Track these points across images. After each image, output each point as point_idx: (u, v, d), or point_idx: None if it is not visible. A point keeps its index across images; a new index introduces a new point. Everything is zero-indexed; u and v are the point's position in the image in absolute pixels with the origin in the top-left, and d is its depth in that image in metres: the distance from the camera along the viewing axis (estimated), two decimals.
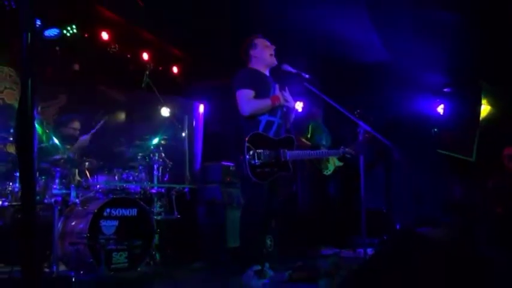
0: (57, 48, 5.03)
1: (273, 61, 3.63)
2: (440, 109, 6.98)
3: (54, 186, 3.90)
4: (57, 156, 4.14)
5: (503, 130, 5.72)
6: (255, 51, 3.62)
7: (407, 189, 6.81)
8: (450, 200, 6.22)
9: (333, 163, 5.47)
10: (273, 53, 3.62)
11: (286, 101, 3.55)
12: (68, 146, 4.46)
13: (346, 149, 3.76)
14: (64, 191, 3.87)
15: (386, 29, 5.34)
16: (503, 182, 3.89)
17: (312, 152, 3.97)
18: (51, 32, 5.20)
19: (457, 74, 6.49)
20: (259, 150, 3.31)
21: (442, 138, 6.78)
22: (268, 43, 3.65)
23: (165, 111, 5.50)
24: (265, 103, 3.45)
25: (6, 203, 3.78)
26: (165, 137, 4.70)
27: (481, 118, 6.31)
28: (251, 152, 3.28)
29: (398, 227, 6.50)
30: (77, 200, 3.88)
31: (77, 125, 4.75)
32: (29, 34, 1.15)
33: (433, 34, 5.26)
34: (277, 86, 3.61)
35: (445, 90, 6.90)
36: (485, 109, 6.30)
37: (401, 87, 6.54)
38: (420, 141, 6.67)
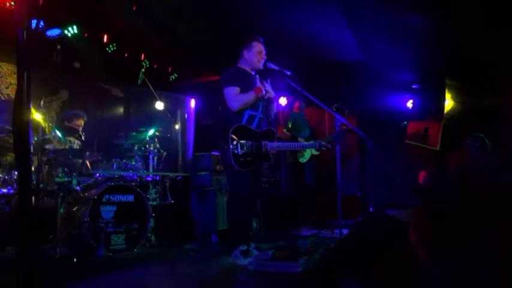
0: (59, 47, 4.93)
1: (259, 66, 3.60)
2: (409, 104, 7.04)
3: (57, 175, 3.85)
4: (60, 147, 4.09)
5: (465, 122, 5.80)
6: (248, 53, 3.59)
7: (379, 176, 6.88)
8: (417, 185, 6.29)
9: (310, 152, 5.47)
10: (262, 61, 3.59)
11: (267, 91, 3.54)
12: (71, 138, 4.40)
13: (322, 142, 3.77)
14: (66, 179, 3.82)
15: (361, 31, 5.34)
16: (463, 168, 3.93)
17: (291, 144, 3.97)
18: (53, 32, 5.10)
19: (424, 72, 6.54)
20: (242, 141, 3.31)
21: (411, 130, 6.85)
22: (263, 50, 3.61)
23: (159, 106, 5.46)
24: (250, 96, 3.44)
25: (12, 191, 3.73)
26: (160, 129, 4.66)
27: (445, 112, 6.39)
28: (235, 143, 3.28)
29: (371, 209, 6.56)
30: (78, 188, 3.84)
31: (80, 122, 4.69)
32: (25, 31, 1.12)
33: (403, 35, 5.28)
34: (257, 77, 3.60)
35: (413, 86, 6.96)
36: (449, 104, 6.37)
37: (374, 84, 6.57)
38: (391, 132, 6.72)
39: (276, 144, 3.56)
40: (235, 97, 3.40)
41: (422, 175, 6.23)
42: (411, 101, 7.01)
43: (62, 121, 4.67)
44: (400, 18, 4.93)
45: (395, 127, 6.96)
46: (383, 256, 2.34)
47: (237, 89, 3.42)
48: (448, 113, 6.35)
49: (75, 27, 5.24)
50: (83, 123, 4.69)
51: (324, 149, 3.76)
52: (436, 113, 6.55)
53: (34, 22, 4.72)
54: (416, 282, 2.20)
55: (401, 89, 6.96)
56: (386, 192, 6.76)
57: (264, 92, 3.48)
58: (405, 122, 7.01)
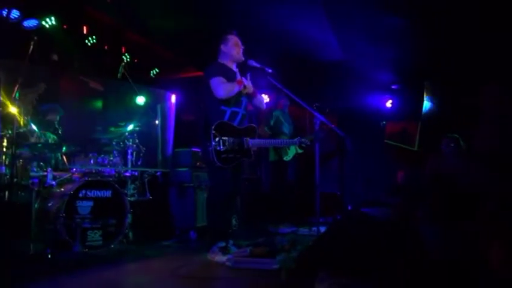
0: (36, 38, 4.81)
1: (240, 58, 3.62)
2: (388, 104, 7.15)
3: (32, 169, 3.76)
4: (35, 141, 3.99)
5: (441, 123, 5.92)
6: (225, 47, 3.61)
7: (358, 175, 6.97)
8: (394, 184, 6.40)
9: (294, 149, 5.48)
10: (240, 52, 3.61)
11: (246, 86, 3.52)
12: (47, 132, 4.31)
13: (302, 139, 3.75)
14: (41, 174, 3.74)
15: (342, 31, 5.39)
16: (439, 168, 4.03)
17: (272, 141, 3.96)
18: (30, 23, 4.97)
19: (403, 73, 6.65)
20: (224, 138, 3.31)
21: (389, 130, 6.96)
22: (239, 42, 3.63)
23: (139, 100, 5.39)
24: (234, 85, 3.44)
25: None
26: (139, 124, 4.60)
27: (422, 112, 6.52)
28: (217, 139, 3.27)
29: (350, 208, 6.63)
30: (54, 182, 3.75)
31: (55, 117, 4.60)
32: None
33: (384, 37, 5.35)
34: (238, 73, 3.60)
35: (393, 87, 7.07)
36: (426, 104, 6.51)
37: (355, 84, 6.65)
38: (370, 132, 6.81)
39: (257, 141, 3.56)
40: (222, 85, 3.40)
41: (400, 174, 6.34)
42: (390, 101, 7.13)
43: (37, 115, 4.57)
44: (381, 20, 5.00)
45: (375, 127, 7.07)
46: (359, 254, 2.37)
47: (222, 78, 3.43)
48: (425, 113, 6.49)
49: (53, 18, 5.12)
50: (58, 117, 4.59)
51: (304, 146, 3.77)
52: (414, 114, 6.68)
53: (11, 12, 4.59)
54: (392, 278, 2.25)
55: (380, 89, 7.06)
56: (365, 190, 6.85)
57: (245, 83, 3.48)
58: (384, 122, 7.13)
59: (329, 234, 2.61)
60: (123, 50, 5.95)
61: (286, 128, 5.53)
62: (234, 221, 4.85)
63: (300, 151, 5.51)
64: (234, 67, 3.65)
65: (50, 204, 3.61)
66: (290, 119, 5.70)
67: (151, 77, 6.46)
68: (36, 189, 3.57)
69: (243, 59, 3.62)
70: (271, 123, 5.46)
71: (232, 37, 3.61)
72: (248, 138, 3.48)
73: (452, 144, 4.15)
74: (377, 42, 5.47)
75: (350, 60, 6.04)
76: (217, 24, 4.29)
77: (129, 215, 4.00)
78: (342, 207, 6.59)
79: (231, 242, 3.50)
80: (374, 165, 6.80)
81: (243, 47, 3.62)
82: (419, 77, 6.46)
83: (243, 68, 3.67)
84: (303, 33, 5.35)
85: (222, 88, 3.39)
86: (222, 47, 3.62)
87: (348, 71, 6.26)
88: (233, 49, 3.59)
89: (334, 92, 6.62)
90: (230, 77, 3.52)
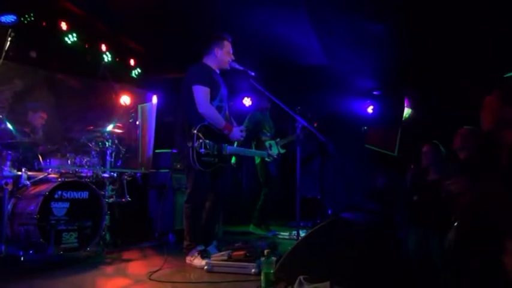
0: (13, 34, 4.69)
1: (226, 67, 3.58)
2: (369, 109, 7.23)
3: (5, 168, 3.64)
4: (9, 140, 3.87)
5: (422, 129, 6.00)
6: (219, 51, 3.52)
7: (339, 179, 7.00)
8: (375, 189, 6.46)
9: (276, 149, 5.42)
10: (230, 61, 3.56)
11: (233, 134, 3.50)
12: (26, 129, 4.18)
13: (270, 152, 4.36)
14: (15, 174, 3.62)
15: (326, 37, 5.42)
16: (419, 174, 4.08)
17: (247, 150, 4.00)
18: (8, 18, 4.84)
19: (385, 79, 6.73)
20: (206, 141, 3.25)
21: (370, 135, 7.03)
22: (231, 50, 3.58)
23: (120, 100, 5.30)
24: (220, 123, 3.39)
25: None
26: (119, 124, 4.51)
27: (403, 118, 6.61)
28: (200, 141, 3.21)
29: (330, 212, 6.66)
30: (28, 182, 3.64)
31: (44, 115, 4.49)
32: None
33: (366, 43, 5.41)
34: (224, 87, 3.57)
35: (374, 93, 7.15)
36: (407, 111, 6.60)
37: (337, 89, 6.70)
38: (351, 137, 6.87)
39: (234, 148, 3.54)
40: (208, 104, 3.33)
41: (380, 179, 6.41)
42: (372, 106, 7.20)
43: (21, 114, 4.44)
44: (363, 26, 5.05)
45: (356, 132, 7.12)
46: (339, 258, 2.37)
47: (208, 90, 3.35)
48: (405, 119, 6.58)
49: (32, 14, 5.00)
50: (46, 115, 4.50)
51: (270, 160, 3.83)
52: (395, 120, 6.76)
53: None
54: (372, 283, 2.25)
55: (362, 94, 7.14)
56: (346, 195, 6.89)
57: (231, 132, 3.45)
58: (365, 127, 7.19)
59: (309, 239, 2.60)
60: (105, 48, 5.85)
61: (267, 131, 5.48)
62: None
63: (282, 151, 5.44)
64: (217, 70, 3.60)
65: (23, 205, 3.50)
66: (271, 121, 5.65)
67: (133, 77, 6.37)
68: (9, 189, 3.46)
69: (228, 68, 3.58)
70: (250, 126, 5.36)
71: (227, 44, 3.55)
72: (226, 145, 3.44)
73: (433, 151, 4.18)
74: (359, 49, 5.53)
75: (333, 65, 6.08)
76: (200, 27, 4.26)
77: (107, 217, 3.92)
78: (323, 211, 6.61)
79: (214, 242, 3.47)
80: (355, 170, 6.85)
81: (233, 58, 3.57)
82: (401, 84, 6.56)
83: (228, 71, 3.63)
84: (286, 38, 5.36)
85: (208, 109, 3.32)
86: (216, 49, 3.52)
87: (330, 76, 6.30)
88: (225, 57, 3.54)
89: (317, 96, 6.66)
90: (215, 81, 3.47)
